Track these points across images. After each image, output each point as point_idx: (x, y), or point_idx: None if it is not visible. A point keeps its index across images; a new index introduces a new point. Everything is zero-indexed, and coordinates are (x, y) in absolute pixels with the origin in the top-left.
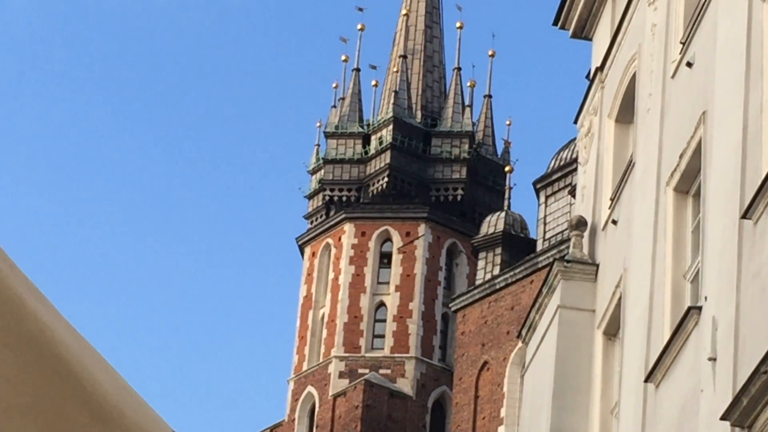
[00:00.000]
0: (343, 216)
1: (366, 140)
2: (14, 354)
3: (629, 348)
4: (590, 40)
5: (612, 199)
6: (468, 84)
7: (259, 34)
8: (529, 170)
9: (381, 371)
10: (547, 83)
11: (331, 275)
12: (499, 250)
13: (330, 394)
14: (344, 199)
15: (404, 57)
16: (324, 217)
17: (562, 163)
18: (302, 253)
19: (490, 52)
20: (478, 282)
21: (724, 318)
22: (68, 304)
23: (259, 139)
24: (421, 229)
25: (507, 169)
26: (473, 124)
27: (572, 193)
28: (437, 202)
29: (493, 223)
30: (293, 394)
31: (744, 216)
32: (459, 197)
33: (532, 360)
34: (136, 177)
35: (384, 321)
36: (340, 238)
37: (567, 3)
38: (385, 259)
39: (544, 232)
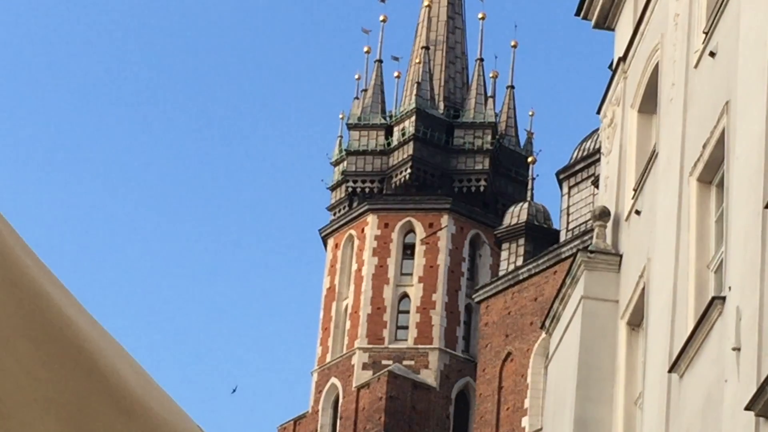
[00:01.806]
0: (366, 207)
1: (389, 131)
2: (36, 347)
3: (653, 338)
4: (613, 30)
5: (635, 190)
6: (490, 75)
7: (282, 26)
8: (552, 161)
9: (404, 362)
10: (570, 74)
11: (354, 267)
12: (522, 241)
13: (354, 385)
14: (367, 190)
15: (427, 48)
16: (347, 208)
17: (585, 153)
18: (325, 245)
19: (512, 43)
20: (501, 273)
21: (748, 308)
22: (90, 296)
23: (282, 130)
24: (444, 220)
25: (530, 159)
26: (496, 115)
27: (595, 184)
28: (460, 193)
29: (516, 214)
30: (317, 386)
31: None
32: (482, 188)
33: (555, 351)
34: (159, 170)
35: (407, 312)
36: (363, 230)
37: None
38: (408, 251)
39: (568, 223)
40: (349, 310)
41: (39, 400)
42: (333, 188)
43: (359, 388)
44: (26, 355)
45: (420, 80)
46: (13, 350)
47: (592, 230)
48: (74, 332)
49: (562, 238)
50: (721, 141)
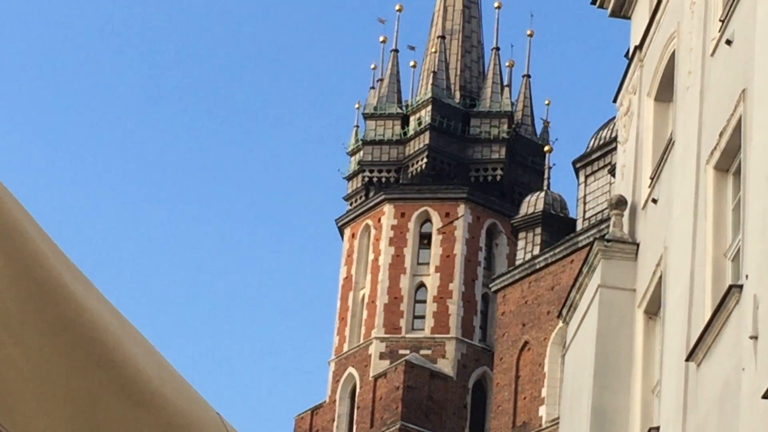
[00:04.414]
0: (383, 197)
1: (405, 121)
2: (48, 339)
3: (670, 327)
4: (629, 18)
5: (652, 178)
6: (506, 64)
7: (298, 16)
8: (569, 150)
9: (421, 352)
10: (586, 62)
11: (371, 256)
12: (538, 230)
13: (371, 375)
14: (383, 180)
15: (442, 37)
16: (363, 198)
17: (601, 142)
18: (342, 235)
19: (528, 32)
20: (518, 262)
21: (765, 296)
22: (109, 283)
23: (298, 120)
24: (461, 209)
25: (546, 148)
26: (512, 104)
27: (612, 173)
28: (476, 182)
29: (532, 203)
30: (334, 376)
31: None
32: (498, 177)
33: (572, 340)
34: (174, 162)
35: (424, 302)
36: (379, 219)
37: None
38: (424, 240)
39: (584, 212)
40: (366, 300)
41: (47, 393)
42: (349, 178)
43: (376, 378)
44: (36, 348)
45: (436, 70)
46: (22, 344)
47: (608, 219)
48: (90, 323)
49: (579, 227)
50: (737, 129)
